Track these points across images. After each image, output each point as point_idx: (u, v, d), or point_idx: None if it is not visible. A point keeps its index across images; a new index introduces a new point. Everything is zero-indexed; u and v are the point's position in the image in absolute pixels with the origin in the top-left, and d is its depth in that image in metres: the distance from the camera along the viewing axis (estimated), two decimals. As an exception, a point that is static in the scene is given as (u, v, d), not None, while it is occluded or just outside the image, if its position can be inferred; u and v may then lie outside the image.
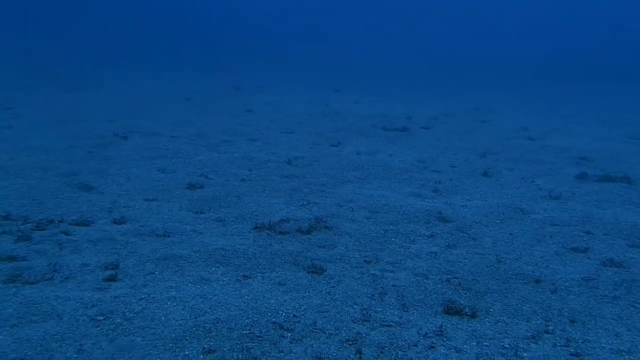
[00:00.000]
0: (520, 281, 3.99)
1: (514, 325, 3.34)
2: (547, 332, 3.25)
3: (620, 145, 9.76)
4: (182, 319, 3.24)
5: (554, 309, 3.55)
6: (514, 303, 3.64)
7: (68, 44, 27.38)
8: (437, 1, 52.11)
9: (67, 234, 4.36)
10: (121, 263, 3.95)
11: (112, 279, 3.69)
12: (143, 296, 3.50)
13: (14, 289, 3.42)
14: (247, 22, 43.72)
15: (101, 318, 3.17)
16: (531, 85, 23.17)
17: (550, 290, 3.83)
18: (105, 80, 16.73)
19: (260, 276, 3.95)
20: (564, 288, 3.87)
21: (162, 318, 3.23)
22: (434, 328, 3.28)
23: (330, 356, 2.94)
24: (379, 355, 2.96)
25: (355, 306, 3.55)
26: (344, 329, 3.24)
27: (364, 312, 3.46)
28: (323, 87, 18.72)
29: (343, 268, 4.16)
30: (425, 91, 19.13)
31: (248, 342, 3.02)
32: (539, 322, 3.38)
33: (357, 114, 13.09)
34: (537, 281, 3.97)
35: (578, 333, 3.26)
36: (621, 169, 7.54)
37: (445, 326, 3.30)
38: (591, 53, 35.36)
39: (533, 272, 4.15)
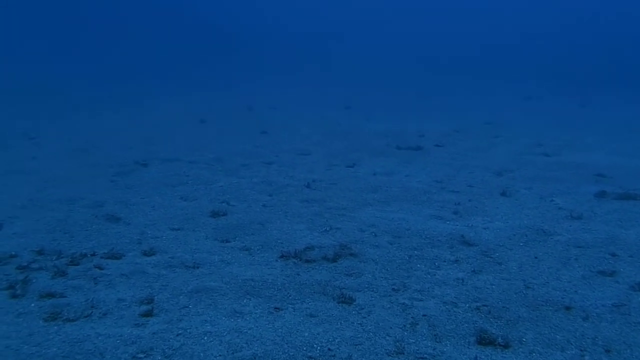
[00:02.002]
0: (551, 308, 4.01)
1: (548, 356, 3.36)
2: (582, 362, 3.27)
3: (637, 161, 9.74)
4: (220, 355, 3.30)
5: (588, 338, 3.56)
6: (546, 332, 3.66)
7: (81, 66, 27.88)
8: (442, 10, 52.46)
9: (100, 268, 4.45)
10: (155, 297, 4.03)
11: (148, 314, 3.76)
12: (180, 332, 3.56)
13: (55, 327, 3.51)
14: (256, 39, 44.29)
15: (142, 356, 3.24)
16: (539, 95, 23.18)
17: (582, 317, 3.84)
18: (120, 102, 17.01)
19: (292, 307, 4.00)
20: (595, 315, 3.88)
21: (201, 355, 3.29)
22: (469, 360, 3.30)
23: (369, 392, 2.98)
24: (417, 390, 3.00)
25: (388, 337, 3.59)
26: (380, 362, 3.28)
27: (397, 344, 3.49)
28: (333, 105, 18.88)
29: (372, 297, 4.21)
30: (434, 103, 19.21)
31: (287, 379, 3.07)
32: (573, 352, 3.40)
33: (370, 131, 13.20)
34: (568, 308, 3.98)
35: (614, 363, 3.27)
36: (640, 187, 7.55)
37: (480, 358, 3.33)
38: (602, 56, 35.32)
39: (562, 298, 4.17)
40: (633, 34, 40.97)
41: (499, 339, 3.50)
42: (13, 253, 4.61)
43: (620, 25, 45.01)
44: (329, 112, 16.88)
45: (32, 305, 3.78)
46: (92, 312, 3.72)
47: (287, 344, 3.45)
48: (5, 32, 37.09)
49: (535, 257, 5.07)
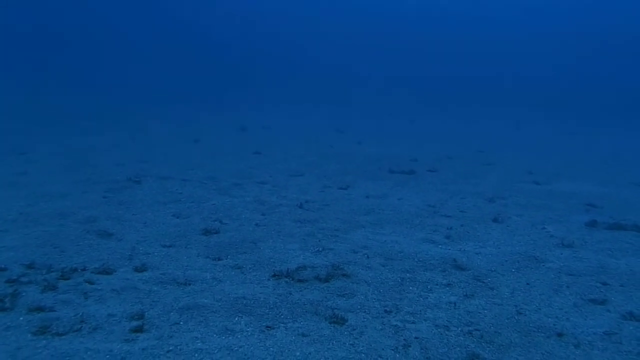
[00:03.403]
0: (542, 334, 4.01)
1: (540, 381, 3.35)
2: (574, 388, 3.26)
3: (626, 192, 9.89)
4: (210, 373, 3.25)
5: (579, 364, 3.57)
6: (538, 358, 3.65)
7: (75, 85, 27.94)
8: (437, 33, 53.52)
9: (91, 282, 4.40)
10: (146, 313, 3.98)
11: (138, 329, 3.71)
12: (170, 348, 3.51)
13: (44, 341, 3.44)
14: (249, 61, 44.79)
15: (131, 372, 3.19)
16: (529, 122, 23.57)
17: (574, 344, 3.85)
18: (114, 120, 17.02)
19: (283, 327, 3.97)
20: (587, 343, 3.89)
21: (192, 372, 3.25)
22: (462, 383, 3.29)
23: (361, 414, 2.95)
24: (410, 413, 2.97)
25: (379, 359, 3.56)
26: (372, 384, 3.25)
27: (389, 366, 3.47)
28: (325, 126, 19.04)
29: (364, 318, 4.19)
30: (426, 128, 19.48)
31: (279, 398, 3.03)
32: (565, 378, 3.40)
33: (362, 155, 13.30)
34: (559, 335, 3.99)
35: (605, 390, 3.27)
36: (630, 217, 7.64)
37: (473, 382, 3.31)
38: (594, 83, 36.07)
39: (554, 324, 4.18)
40: (622, 63, 42.02)
41: (492, 364, 3.49)
42: (2, 266, 4.54)
43: (608, 54, 46.16)
44: (321, 134, 17.02)
45: (21, 318, 3.71)
46: (81, 326, 3.66)
47: (278, 363, 3.42)
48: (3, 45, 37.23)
49: (527, 284, 5.09)
